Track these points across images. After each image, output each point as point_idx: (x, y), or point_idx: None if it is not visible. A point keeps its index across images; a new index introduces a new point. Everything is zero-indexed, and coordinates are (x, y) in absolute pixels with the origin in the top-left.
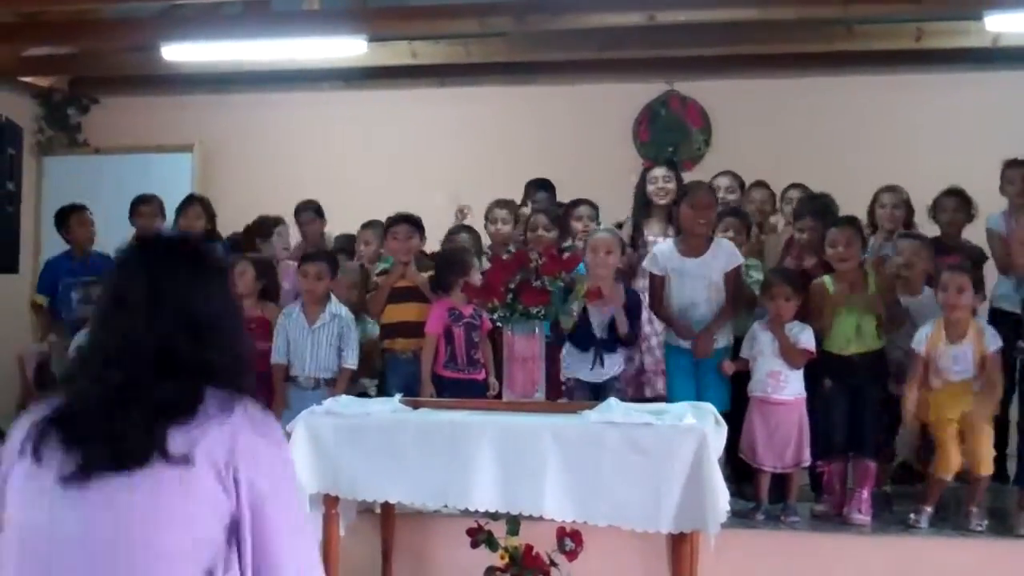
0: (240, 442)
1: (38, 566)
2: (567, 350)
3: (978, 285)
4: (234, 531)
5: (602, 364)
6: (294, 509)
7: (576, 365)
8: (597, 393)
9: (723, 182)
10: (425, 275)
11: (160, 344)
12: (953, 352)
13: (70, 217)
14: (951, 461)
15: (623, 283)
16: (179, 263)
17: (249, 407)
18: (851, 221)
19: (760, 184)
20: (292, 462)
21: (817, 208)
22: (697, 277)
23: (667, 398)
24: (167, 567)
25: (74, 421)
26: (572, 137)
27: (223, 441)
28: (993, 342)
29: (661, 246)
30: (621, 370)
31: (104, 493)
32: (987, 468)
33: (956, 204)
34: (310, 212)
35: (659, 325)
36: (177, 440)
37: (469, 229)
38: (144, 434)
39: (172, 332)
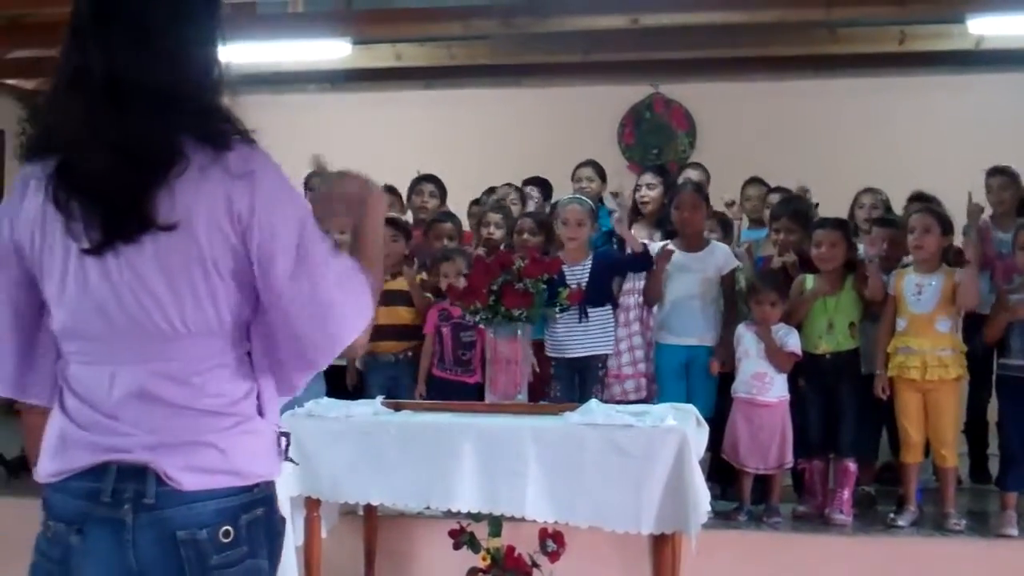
0: (234, 194)
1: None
2: (549, 330)
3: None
4: (254, 291)
5: (587, 316)
6: (310, 248)
7: (559, 338)
8: (582, 374)
9: (692, 174)
10: (416, 277)
11: (106, 68)
12: (917, 280)
13: None
14: (911, 440)
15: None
16: None
17: (238, 152)
18: (839, 223)
19: (755, 180)
20: (295, 191)
21: (795, 209)
22: (693, 272)
23: (656, 398)
24: (188, 341)
25: (64, 184)
26: (557, 140)
27: (219, 199)
28: (960, 275)
29: (660, 244)
30: (607, 351)
31: (121, 263)
32: (952, 459)
33: (928, 206)
34: None
35: (646, 324)
36: (167, 203)
37: (451, 216)
38: (130, 200)
39: (120, 52)
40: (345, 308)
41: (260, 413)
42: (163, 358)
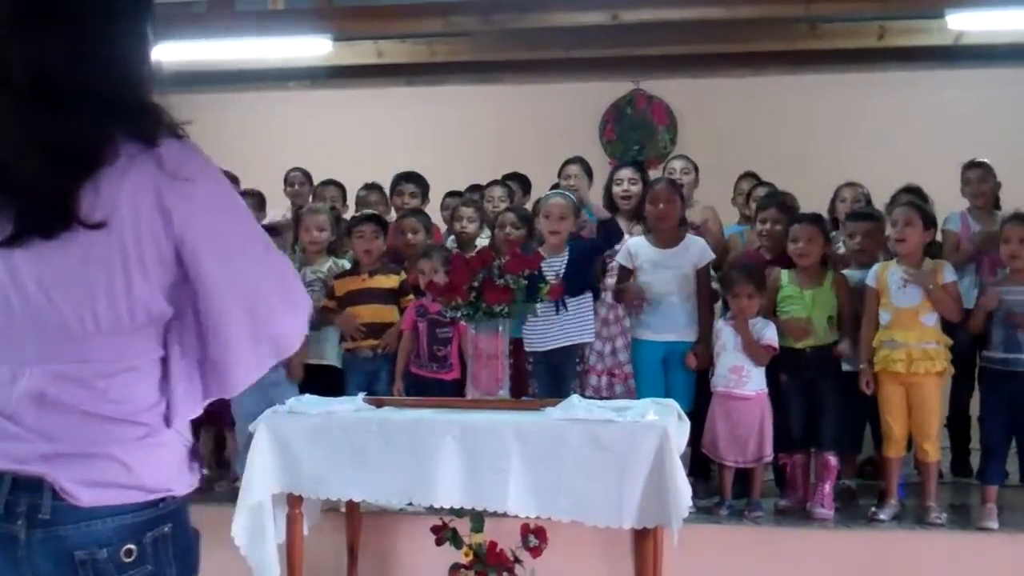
0: (167, 192)
1: None
2: (526, 324)
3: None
4: (181, 291)
5: (565, 307)
6: (243, 249)
7: (536, 331)
8: (558, 364)
9: (677, 165)
10: (391, 279)
11: (33, 69)
12: (901, 274)
13: None
14: (893, 434)
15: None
16: None
17: (169, 147)
18: (815, 219)
19: (749, 175)
20: (232, 193)
21: (782, 201)
22: (670, 268)
23: (635, 393)
24: (96, 341)
25: None
26: (538, 136)
27: (147, 194)
28: (948, 275)
29: (635, 240)
30: (588, 339)
31: (30, 257)
32: (934, 453)
33: (911, 200)
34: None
35: (626, 322)
36: (91, 199)
37: (416, 212)
38: (56, 197)
39: (46, 52)
40: (274, 301)
41: (167, 423)
42: (68, 358)
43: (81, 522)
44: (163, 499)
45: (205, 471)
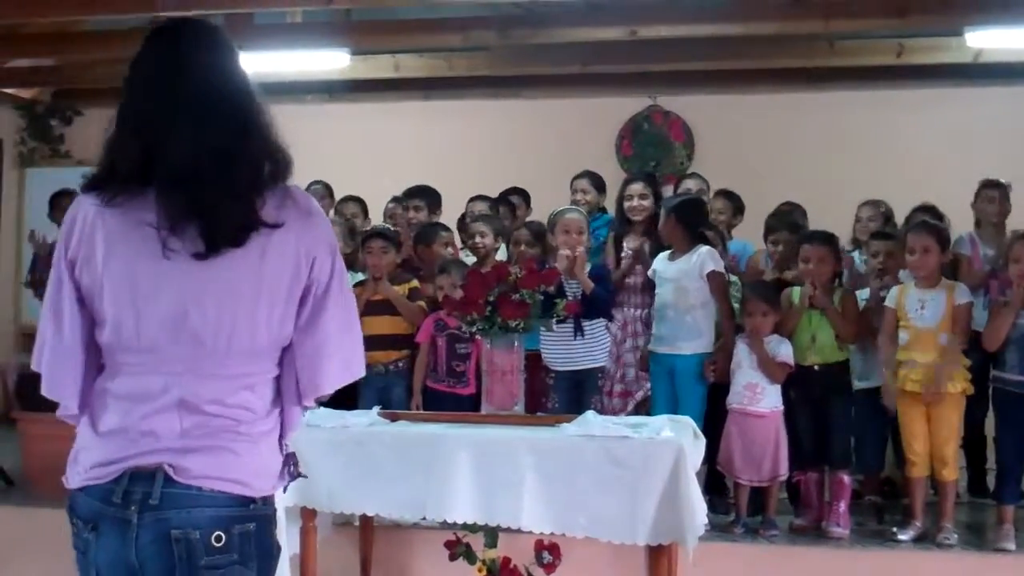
0: (303, 233)
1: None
2: (544, 340)
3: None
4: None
5: (582, 333)
6: (346, 292)
7: (555, 350)
8: (579, 385)
9: (689, 185)
10: (402, 287)
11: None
12: (920, 296)
13: (59, 200)
14: (914, 454)
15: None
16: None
17: (295, 195)
18: (828, 238)
19: (723, 193)
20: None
21: (792, 222)
22: (666, 280)
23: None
24: (234, 357)
25: (175, 202)
26: (555, 151)
27: (294, 233)
28: (963, 296)
29: (663, 254)
30: (602, 363)
31: (210, 274)
32: (952, 472)
33: (926, 222)
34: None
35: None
36: (265, 212)
37: (444, 227)
38: (242, 206)
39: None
40: (335, 359)
41: (280, 434)
42: (207, 371)
43: (183, 508)
44: (254, 500)
45: (304, 474)
